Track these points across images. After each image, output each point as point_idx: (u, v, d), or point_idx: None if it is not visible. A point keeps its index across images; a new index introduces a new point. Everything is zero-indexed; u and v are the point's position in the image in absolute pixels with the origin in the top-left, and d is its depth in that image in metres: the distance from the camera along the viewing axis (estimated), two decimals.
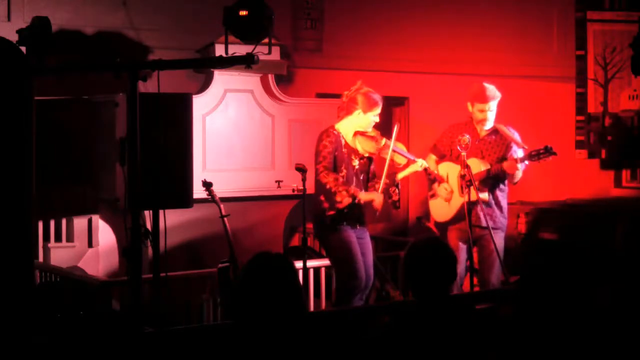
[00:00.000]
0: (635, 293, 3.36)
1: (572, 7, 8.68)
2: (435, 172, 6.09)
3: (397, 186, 5.63)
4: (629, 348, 3.13)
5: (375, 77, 7.65)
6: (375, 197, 5.54)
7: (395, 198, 5.64)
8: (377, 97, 5.63)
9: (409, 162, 5.70)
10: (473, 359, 3.24)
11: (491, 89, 6.05)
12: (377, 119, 5.65)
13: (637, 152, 8.51)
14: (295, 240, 7.75)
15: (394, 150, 5.61)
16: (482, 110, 6.02)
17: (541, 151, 5.76)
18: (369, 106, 5.59)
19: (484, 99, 6.00)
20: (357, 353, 3.30)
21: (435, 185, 6.17)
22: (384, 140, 5.60)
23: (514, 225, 7.97)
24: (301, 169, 5.59)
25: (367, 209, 5.65)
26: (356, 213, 5.62)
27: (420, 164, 5.73)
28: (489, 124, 6.07)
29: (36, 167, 4.07)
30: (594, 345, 3.06)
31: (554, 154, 5.76)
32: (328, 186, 5.45)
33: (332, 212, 5.54)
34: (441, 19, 8.35)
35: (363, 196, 5.54)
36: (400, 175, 5.68)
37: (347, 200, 5.47)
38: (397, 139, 5.76)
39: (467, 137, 5.69)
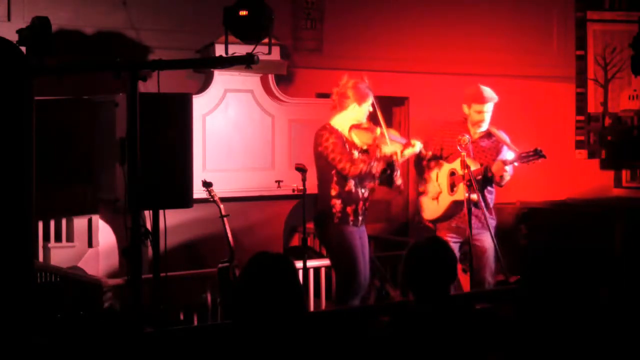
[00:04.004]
0: (635, 292, 3.36)
1: (572, 7, 8.69)
2: (430, 154, 6.05)
3: (397, 171, 5.63)
4: (629, 347, 3.13)
5: (375, 77, 7.62)
6: (395, 147, 5.52)
7: (398, 182, 5.63)
8: (366, 86, 5.62)
9: (405, 146, 5.67)
10: (473, 359, 3.24)
11: (488, 91, 6.03)
12: (371, 109, 5.64)
13: (637, 152, 8.51)
14: (295, 240, 7.75)
15: (390, 139, 5.60)
16: (480, 112, 5.99)
17: (530, 154, 5.75)
18: (362, 97, 5.59)
19: (482, 99, 5.98)
20: (357, 353, 3.30)
21: (430, 181, 6.14)
22: (379, 130, 5.59)
23: (513, 225, 7.97)
24: (301, 169, 5.58)
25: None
26: (361, 211, 5.61)
27: (416, 146, 5.68)
28: (485, 126, 6.05)
29: (36, 167, 4.07)
30: (594, 344, 3.06)
31: (543, 156, 5.75)
32: (364, 171, 5.44)
33: (341, 210, 5.51)
34: (441, 19, 8.35)
35: (387, 149, 5.50)
36: (400, 160, 5.64)
37: (380, 165, 5.47)
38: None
39: (467, 137, 5.68)
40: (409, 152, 5.62)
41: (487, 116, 6.03)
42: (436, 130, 6.22)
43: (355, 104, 5.58)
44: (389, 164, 5.55)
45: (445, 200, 5.97)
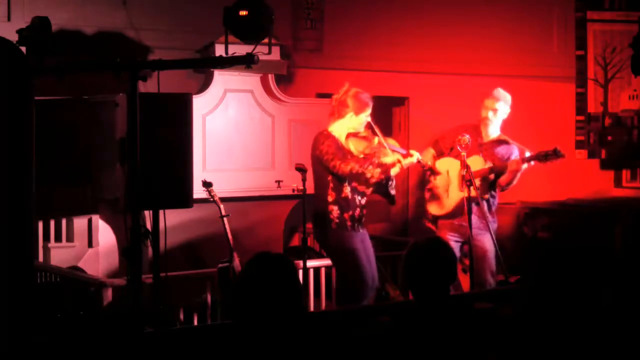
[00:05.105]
0: (635, 292, 3.37)
1: (572, 7, 8.70)
2: (429, 164, 6.05)
3: (392, 181, 5.61)
4: (629, 347, 3.13)
5: (375, 77, 7.67)
6: (397, 156, 5.49)
7: (392, 192, 5.62)
8: (367, 97, 5.59)
9: (404, 157, 5.64)
10: (473, 359, 3.24)
11: (502, 91, 6.06)
12: (369, 119, 5.61)
13: (637, 152, 8.52)
14: (295, 240, 7.75)
15: (389, 148, 5.57)
16: (486, 108, 6.02)
17: (549, 152, 5.76)
18: (360, 107, 5.56)
19: (491, 96, 6.02)
20: (357, 353, 3.30)
21: (440, 175, 6.12)
22: (376, 139, 5.56)
23: (514, 225, 7.97)
24: (301, 169, 5.58)
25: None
26: (358, 217, 5.58)
27: (414, 157, 5.66)
28: (492, 128, 6.06)
29: (36, 167, 4.07)
30: (594, 344, 3.07)
31: (562, 156, 5.76)
32: (354, 170, 5.37)
33: (338, 216, 5.49)
34: (441, 19, 8.36)
35: (388, 159, 5.47)
36: (394, 171, 5.61)
37: (377, 172, 5.41)
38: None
39: (467, 137, 5.68)
40: (407, 162, 5.57)
41: (492, 115, 6.04)
42: (449, 130, 6.23)
43: (352, 113, 5.55)
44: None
45: (456, 196, 5.94)
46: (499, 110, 6.04)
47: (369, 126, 5.62)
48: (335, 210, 5.49)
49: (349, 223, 5.51)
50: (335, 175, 5.47)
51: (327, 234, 5.55)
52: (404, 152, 5.67)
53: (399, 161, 5.47)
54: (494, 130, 6.09)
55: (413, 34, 8.22)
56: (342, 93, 5.60)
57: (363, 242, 5.61)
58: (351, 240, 5.52)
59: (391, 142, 5.72)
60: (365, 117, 5.58)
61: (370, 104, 5.58)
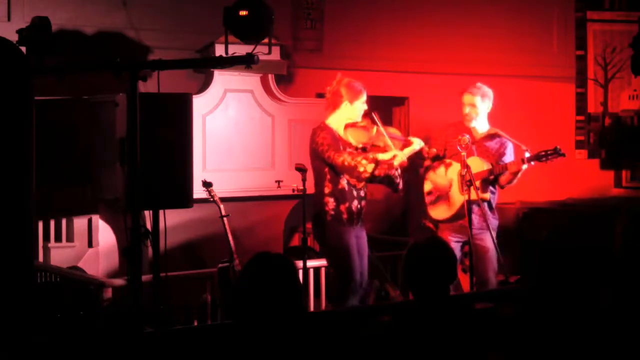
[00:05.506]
0: (635, 292, 3.37)
1: (572, 7, 8.69)
2: (434, 151, 6.02)
3: (397, 170, 5.58)
4: (630, 348, 3.13)
5: (375, 77, 7.66)
6: (393, 152, 5.46)
7: (397, 181, 5.61)
8: (360, 85, 5.59)
9: (406, 144, 5.62)
10: (473, 359, 3.24)
11: (478, 85, 6.03)
12: (365, 106, 5.60)
13: (637, 152, 8.51)
14: (295, 240, 7.75)
15: (389, 136, 5.55)
16: (463, 104, 6.01)
17: (549, 152, 5.75)
18: (354, 95, 5.55)
19: (468, 91, 6.00)
20: (357, 353, 3.30)
21: (439, 179, 6.08)
22: (375, 128, 5.54)
23: (513, 225, 7.97)
24: (301, 169, 5.58)
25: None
26: (356, 210, 5.57)
27: (417, 144, 5.63)
28: (478, 123, 6.00)
29: (36, 167, 4.07)
30: (594, 345, 3.07)
31: (562, 155, 5.75)
32: (346, 163, 5.36)
33: (334, 208, 5.48)
34: (441, 19, 8.36)
35: (385, 156, 5.43)
36: (397, 161, 5.56)
37: (370, 167, 5.38)
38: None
39: (467, 137, 5.67)
40: (408, 151, 5.54)
41: (470, 110, 6.00)
42: (440, 131, 6.21)
43: (347, 101, 5.55)
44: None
45: (458, 199, 5.91)
46: (478, 106, 5.99)
47: (368, 115, 5.61)
48: (331, 202, 5.48)
49: (345, 216, 5.49)
50: (331, 167, 5.47)
51: (323, 227, 5.53)
52: (403, 139, 5.63)
53: (395, 156, 5.44)
54: (481, 125, 6.05)
55: (413, 34, 8.22)
56: (334, 84, 5.61)
57: (357, 238, 5.59)
58: (346, 235, 5.49)
59: (392, 130, 5.69)
60: (361, 104, 5.57)
61: (364, 92, 5.57)
